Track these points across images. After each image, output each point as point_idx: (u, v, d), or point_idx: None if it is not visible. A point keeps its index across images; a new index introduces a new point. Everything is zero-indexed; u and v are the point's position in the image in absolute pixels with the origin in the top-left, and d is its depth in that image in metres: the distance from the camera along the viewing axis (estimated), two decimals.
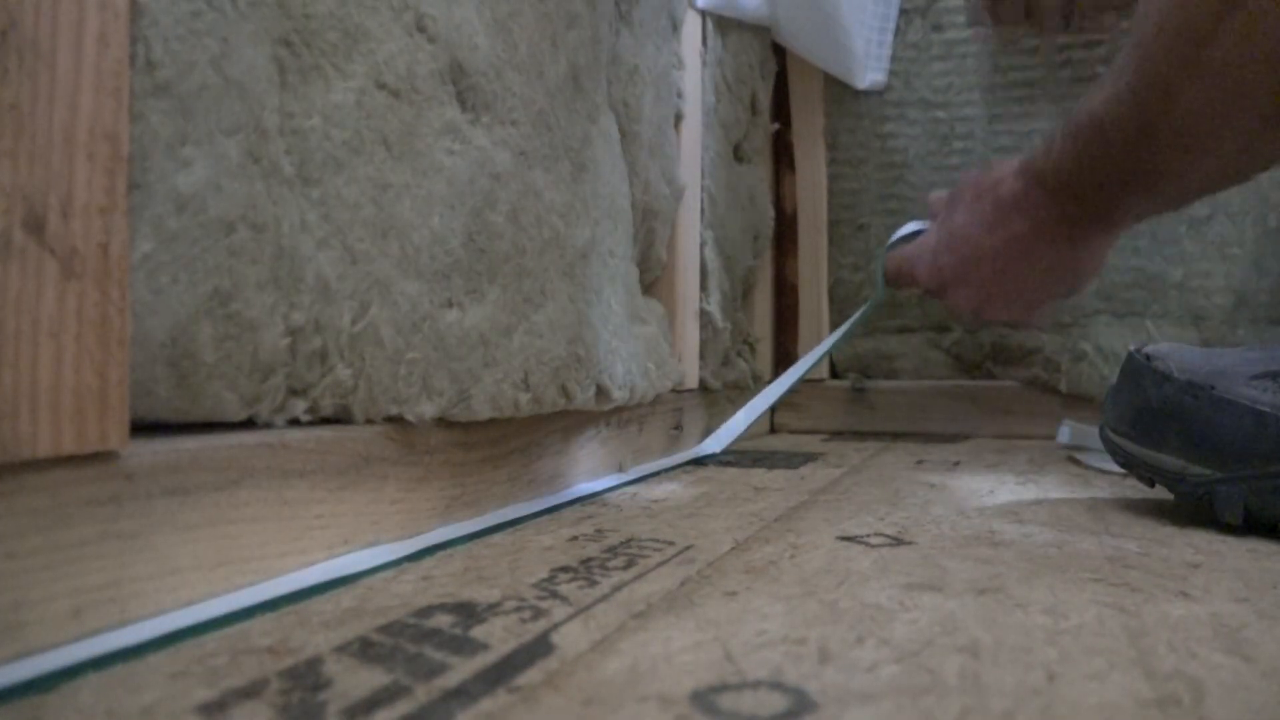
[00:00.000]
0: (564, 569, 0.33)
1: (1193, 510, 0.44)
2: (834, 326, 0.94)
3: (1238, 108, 0.44)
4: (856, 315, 0.79)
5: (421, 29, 0.36)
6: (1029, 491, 0.53)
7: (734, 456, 0.70)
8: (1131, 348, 0.48)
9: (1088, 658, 0.24)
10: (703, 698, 0.21)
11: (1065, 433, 0.74)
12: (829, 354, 0.86)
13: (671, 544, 0.38)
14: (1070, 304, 0.82)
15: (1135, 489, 0.53)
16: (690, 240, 0.69)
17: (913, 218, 0.82)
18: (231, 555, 0.28)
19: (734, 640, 0.25)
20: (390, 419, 0.36)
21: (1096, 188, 0.55)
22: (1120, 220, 0.58)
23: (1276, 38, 0.41)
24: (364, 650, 0.24)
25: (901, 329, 0.92)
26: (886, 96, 0.89)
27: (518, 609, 0.28)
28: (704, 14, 0.72)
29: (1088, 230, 0.59)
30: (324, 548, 0.32)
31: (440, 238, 0.37)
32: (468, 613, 0.27)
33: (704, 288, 0.73)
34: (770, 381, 0.93)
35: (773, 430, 0.93)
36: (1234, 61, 0.43)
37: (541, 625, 0.26)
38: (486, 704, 0.21)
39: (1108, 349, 0.80)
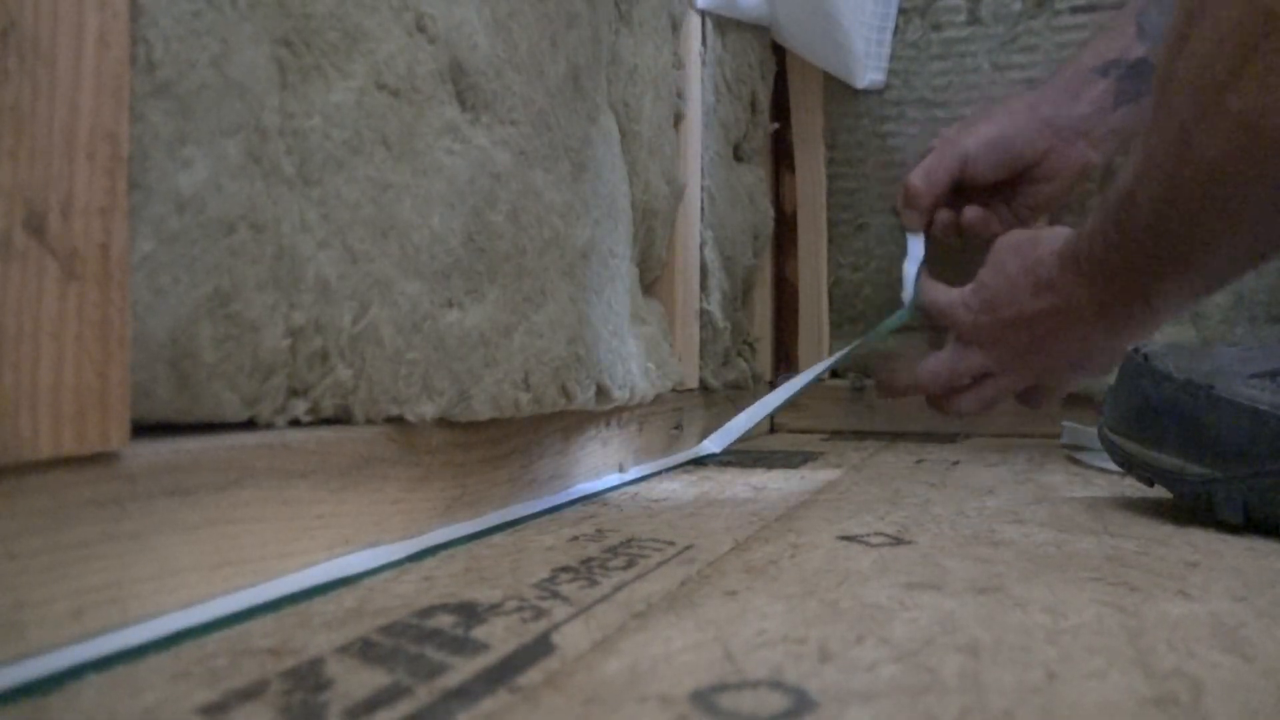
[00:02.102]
0: (565, 569, 0.33)
1: (1191, 509, 0.44)
2: (834, 326, 0.94)
3: (1263, 162, 0.42)
4: (879, 328, 0.79)
5: (421, 29, 0.36)
6: (1028, 491, 0.53)
7: (734, 456, 0.70)
8: (1130, 347, 0.49)
9: (1087, 657, 0.24)
10: (703, 697, 0.21)
11: (1066, 433, 0.74)
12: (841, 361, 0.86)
13: (672, 544, 0.38)
14: None
15: (1134, 488, 0.53)
16: (690, 240, 0.69)
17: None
18: (232, 556, 0.28)
19: (734, 640, 0.25)
20: (391, 419, 0.36)
21: (1127, 268, 0.54)
22: (1153, 305, 0.56)
23: None
24: (365, 651, 0.24)
25: (902, 329, 0.92)
26: (886, 96, 0.89)
27: (519, 609, 0.28)
28: (704, 14, 0.72)
29: (1120, 316, 0.58)
30: (325, 548, 0.32)
31: (440, 237, 0.37)
32: (469, 613, 0.28)
33: (704, 287, 0.73)
34: (770, 381, 0.93)
35: (773, 430, 0.93)
36: (1255, 109, 0.41)
37: (542, 625, 0.26)
38: (487, 704, 0.21)
39: None
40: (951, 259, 0.81)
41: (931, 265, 0.78)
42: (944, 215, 0.77)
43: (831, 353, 0.93)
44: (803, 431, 0.92)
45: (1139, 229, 0.51)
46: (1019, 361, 0.66)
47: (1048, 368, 0.66)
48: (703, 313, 0.72)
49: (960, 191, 0.76)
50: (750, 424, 0.73)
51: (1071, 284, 0.60)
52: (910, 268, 0.77)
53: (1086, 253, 0.57)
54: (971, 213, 0.75)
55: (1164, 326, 0.80)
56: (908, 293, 0.77)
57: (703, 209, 0.72)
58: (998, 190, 0.75)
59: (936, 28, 0.87)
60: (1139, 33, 0.69)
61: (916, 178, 0.75)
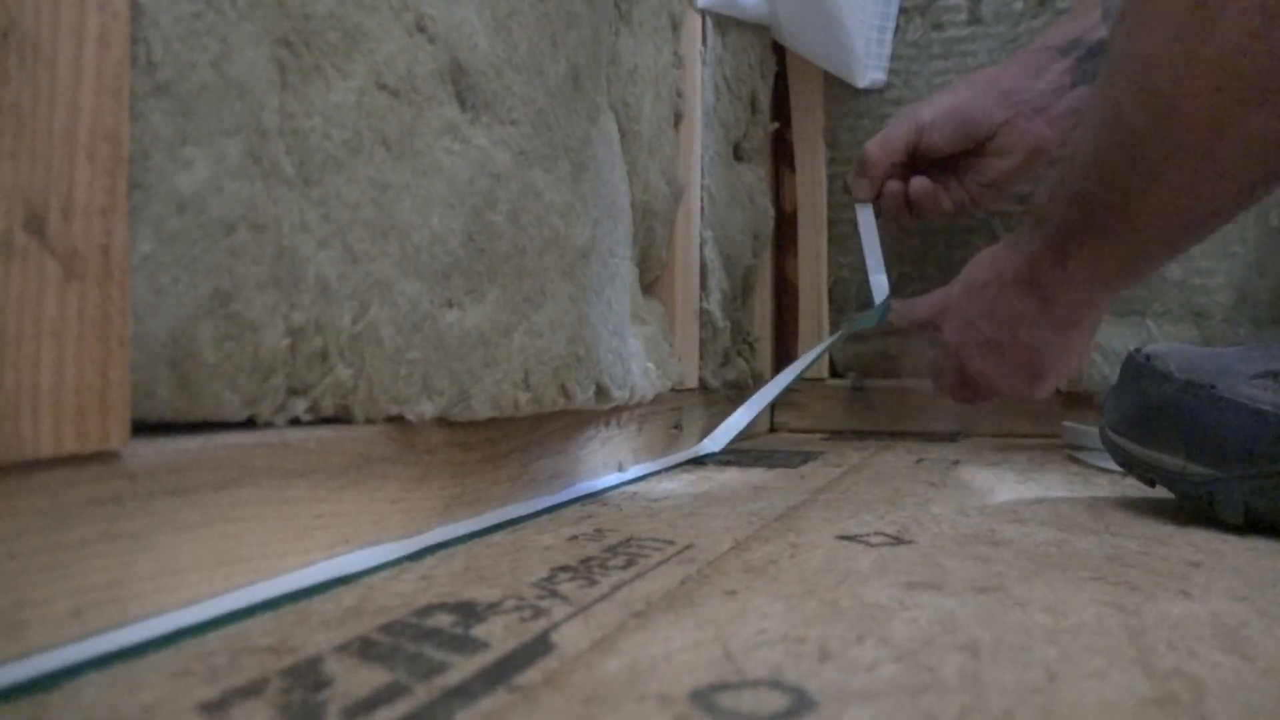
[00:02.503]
0: (564, 568, 0.33)
1: (1193, 509, 0.44)
2: (834, 326, 0.94)
3: (1178, 141, 0.44)
4: (862, 317, 0.79)
5: (421, 29, 0.36)
6: (1029, 490, 0.53)
7: (734, 456, 0.70)
8: (1132, 348, 0.48)
9: (1087, 656, 0.24)
10: (702, 696, 0.21)
11: (1067, 433, 0.74)
12: (823, 354, 0.87)
13: (671, 543, 0.38)
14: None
15: (1136, 488, 0.53)
16: (690, 240, 0.69)
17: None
18: (232, 555, 0.28)
19: (734, 639, 0.25)
20: (390, 419, 0.36)
21: (1056, 226, 0.56)
22: (1070, 271, 0.57)
23: (1213, 81, 0.41)
24: (364, 649, 0.24)
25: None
26: (886, 95, 0.89)
27: (518, 608, 0.28)
28: (704, 13, 0.72)
29: (1042, 278, 0.59)
30: (324, 547, 0.32)
31: (440, 237, 0.37)
32: (468, 612, 0.28)
33: (704, 287, 0.73)
34: (770, 381, 0.93)
35: (772, 429, 0.93)
36: (1175, 92, 0.43)
37: (541, 624, 0.26)
38: (486, 703, 0.21)
39: (1108, 348, 0.80)
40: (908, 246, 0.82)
41: (883, 239, 0.78)
42: (893, 186, 0.77)
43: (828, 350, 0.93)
44: (803, 431, 0.92)
45: (1071, 189, 0.53)
46: (963, 324, 0.66)
47: (991, 344, 0.66)
48: (703, 312, 0.72)
49: (917, 165, 0.76)
50: (748, 418, 0.73)
51: (1019, 237, 0.61)
52: (869, 244, 0.77)
53: (1035, 210, 0.58)
54: (919, 184, 0.75)
55: (1165, 327, 0.80)
56: (876, 281, 0.77)
57: (703, 209, 0.72)
58: (954, 165, 0.76)
59: (938, 27, 0.87)
60: (1103, 15, 0.70)
61: (873, 145, 0.76)
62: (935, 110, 0.73)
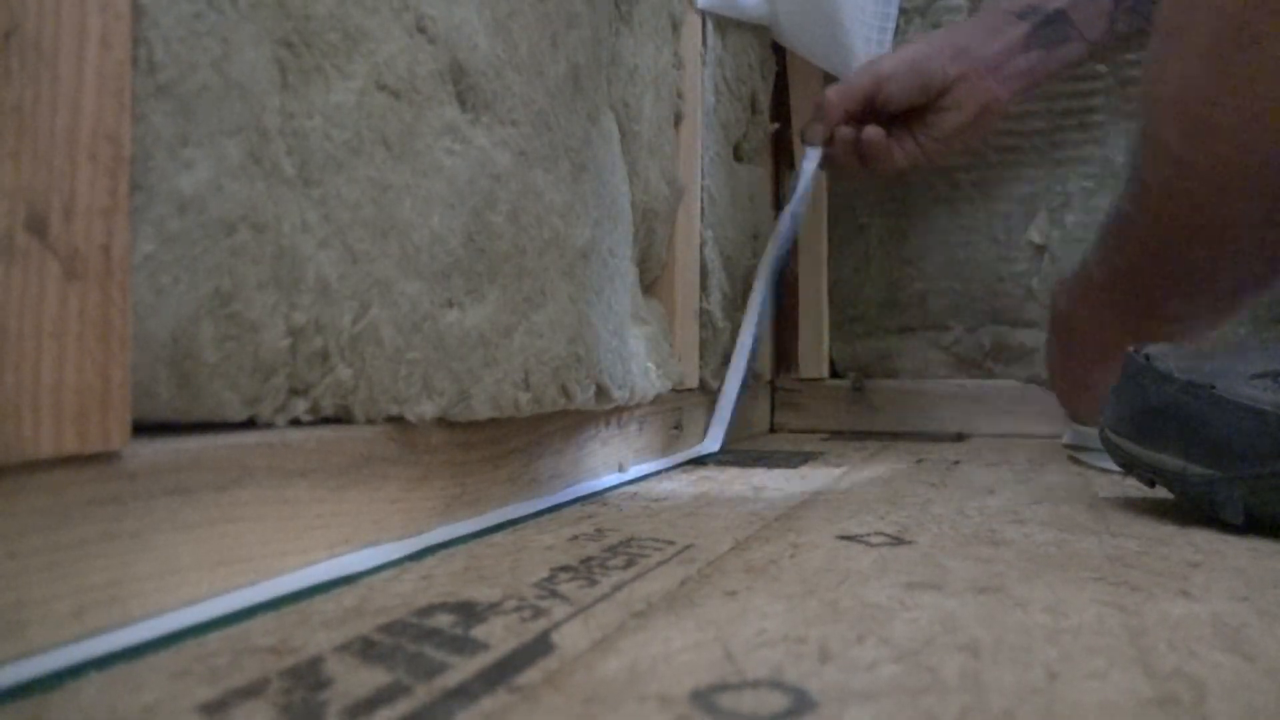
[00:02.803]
0: (564, 568, 0.33)
1: (1193, 509, 0.44)
2: (834, 325, 0.94)
3: (1254, 176, 0.43)
4: (786, 216, 0.78)
5: (421, 29, 0.36)
6: (1029, 490, 0.53)
7: (734, 456, 0.70)
8: (1131, 347, 0.48)
9: (1088, 657, 0.24)
10: (703, 697, 0.21)
11: (1067, 434, 0.74)
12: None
13: (671, 543, 0.38)
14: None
15: (1136, 488, 0.53)
16: (690, 240, 0.69)
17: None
18: (233, 555, 0.28)
19: (734, 639, 0.25)
20: (391, 419, 0.36)
21: (1132, 293, 0.55)
22: (1165, 331, 0.56)
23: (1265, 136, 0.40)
24: (365, 649, 0.24)
25: (902, 329, 0.92)
26: None
27: (518, 608, 0.28)
28: (704, 14, 0.72)
29: (1130, 339, 0.59)
30: (325, 547, 0.32)
31: (440, 238, 0.37)
32: (468, 612, 0.28)
33: (704, 287, 0.73)
34: (770, 381, 0.93)
35: (772, 429, 0.93)
36: (1240, 124, 0.41)
37: (542, 624, 0.26)
38: (487, 703, 0.21)
39: None
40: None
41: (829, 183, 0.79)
42: (845, 132, 0.76)
43: (828, 346, 0.93)
44: (803, 431, 0.92)
45: (1140, 253, 0.52)
46: (1062, 383, 0.68)
47: (1073, 381, 0.68)
48: (703, 312, 0.72)
49: (872, 118, 0.76)
50: (732, 396, 0.72)
51: (1071, 296, 0.61)
52: (808, 165, 0.77)
53: (1097, 281, 0.58)
54: (872, 132, 0.75)
55: None
56: (802, 182, 0.76)
57: (703, 209, 0.72)
58: (907, 121, 0.76)
59: (937, 28, 0.87)
60: None
61: (832, 91, 0.76)
62: (894, 62, 0.74)
